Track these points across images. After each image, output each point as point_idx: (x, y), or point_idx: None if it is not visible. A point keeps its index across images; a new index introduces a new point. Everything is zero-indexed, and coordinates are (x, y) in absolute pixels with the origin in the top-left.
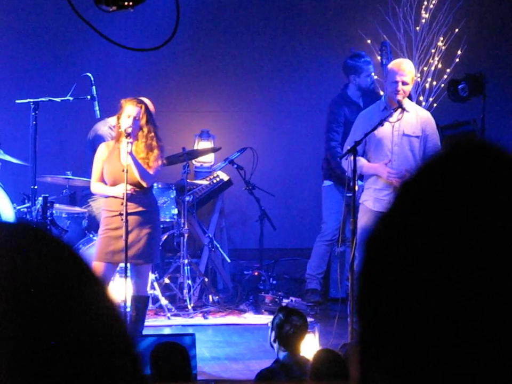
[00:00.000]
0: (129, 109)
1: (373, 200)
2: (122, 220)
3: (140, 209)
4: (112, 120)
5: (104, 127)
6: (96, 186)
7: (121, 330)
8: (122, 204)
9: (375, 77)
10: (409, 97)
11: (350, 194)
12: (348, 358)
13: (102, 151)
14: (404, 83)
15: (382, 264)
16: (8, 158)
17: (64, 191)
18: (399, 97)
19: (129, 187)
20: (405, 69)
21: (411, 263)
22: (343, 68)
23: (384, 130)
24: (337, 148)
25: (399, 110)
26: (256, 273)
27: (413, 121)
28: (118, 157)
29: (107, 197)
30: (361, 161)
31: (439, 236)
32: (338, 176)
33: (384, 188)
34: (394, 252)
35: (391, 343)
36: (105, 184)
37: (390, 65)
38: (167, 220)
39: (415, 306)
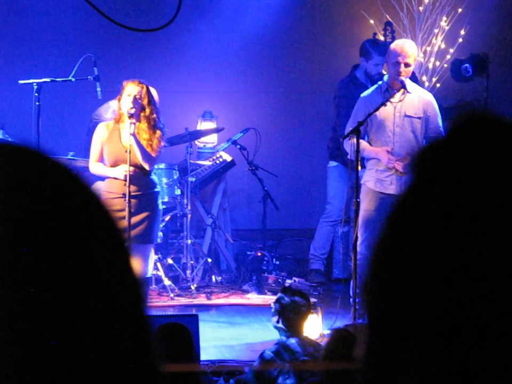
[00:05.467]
0: (130, 88)
1: (374, 181)
2: (125, 201)
3: (140, 192)
4: (114, 104)
5: (107, 113)
6: (95, 167)
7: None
8: (124, 185)
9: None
10: (414, 77)
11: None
12: (340, 341)
13: (101, 131)
14: (406, 65)
15: (396, 246)
16: (10, 139)
17: None
18: (402, 77)
19: (130, 168)
20: (408, 51)
21: (427, 245)
22: (359, 48)
23: (386, 112)
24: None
25: (401, 91)
26: (259, 254)
27: (414, 102)
28: (118, 138)
29: (106, 178)
30: (363, 144)
31: (455, 216)
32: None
33: (386, 169)
34: (409, 234)
35: (401, 325)
36: (104, 164)
37: (392, 46)
38: (170, 201)
39: (428, 288)
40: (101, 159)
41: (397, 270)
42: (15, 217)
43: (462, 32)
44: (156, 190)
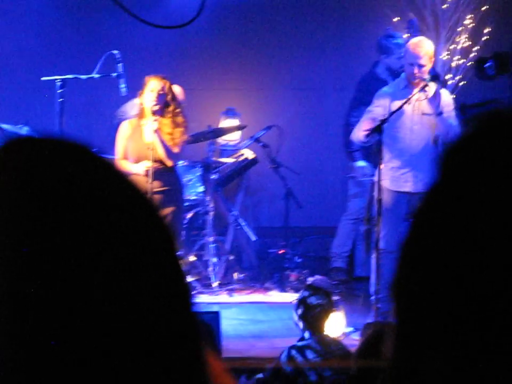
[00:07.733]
0: (153, 84)
1: (390, 179)
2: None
3: (165, 188)
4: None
5: (132, 110)
6: (120, 164)
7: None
8: (147, 182)
9: None
10: (437, 75)
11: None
12: (375, 338)
13: (125, 129)
14: (420, 66)
15: (425, 243)
16: (36, 135)
17: None
18: (417, 75)
19: (151, 164)
20: (420, 52)
21: (456, 243)
22: (376, 46)
23: (404, 109)
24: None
25: (421, 87)
26: (281, 251)
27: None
28: (141, 134)
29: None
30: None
31: (481, 216)
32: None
33: (401, 166)
34: (439, 231)
35: (430, 325)
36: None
37: (407, 45)
38: (193, 198)
39: (458, 287)
40: (126, 157)
41: (423, 271)
42: (62, 213)
43: (486, 30)
44: (180, 185)
